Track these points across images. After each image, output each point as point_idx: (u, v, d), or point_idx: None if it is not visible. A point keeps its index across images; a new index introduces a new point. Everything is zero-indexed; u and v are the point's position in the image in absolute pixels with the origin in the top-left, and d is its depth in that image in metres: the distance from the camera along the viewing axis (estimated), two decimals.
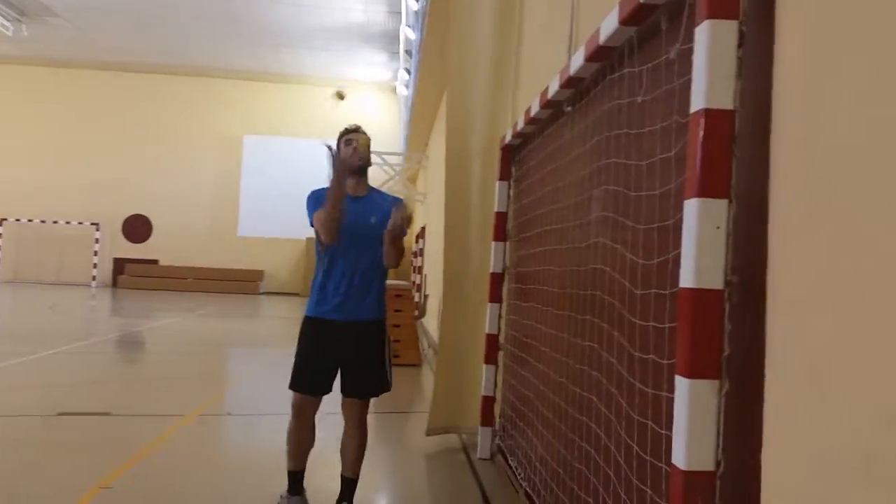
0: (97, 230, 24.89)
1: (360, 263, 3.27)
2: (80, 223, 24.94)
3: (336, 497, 3.42)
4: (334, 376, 3.32)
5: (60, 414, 5.42)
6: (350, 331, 3.28)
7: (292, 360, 3.36)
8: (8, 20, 19.65)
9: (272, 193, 25.18)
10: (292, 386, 3.31)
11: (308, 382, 3.29)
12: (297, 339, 3.37)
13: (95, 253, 24.83)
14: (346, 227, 3.22)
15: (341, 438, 3.41)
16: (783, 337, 1.44)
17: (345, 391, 3.33)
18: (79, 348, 9.22)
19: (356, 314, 3.28)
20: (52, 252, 25.21)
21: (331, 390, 3.32)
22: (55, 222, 24.86)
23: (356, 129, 3.40)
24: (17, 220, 24.77)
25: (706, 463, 1.55)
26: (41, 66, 24.98)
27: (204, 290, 23.95)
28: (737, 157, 1.59)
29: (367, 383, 3.33)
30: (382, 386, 3.36)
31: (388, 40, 20.21)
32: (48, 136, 25.18)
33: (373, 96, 25.61)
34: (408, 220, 3.15)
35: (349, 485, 3.40)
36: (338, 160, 3.17)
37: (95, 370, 7.90)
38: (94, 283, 24.66)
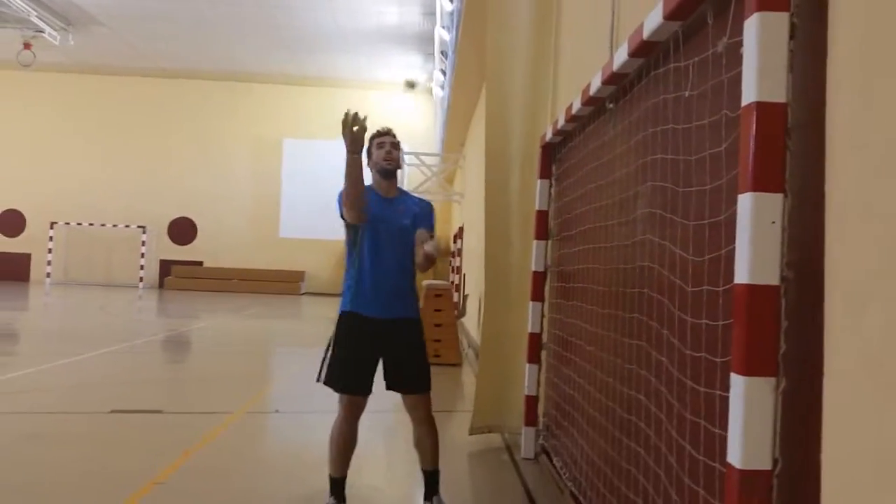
0: (143, 233, 25.55)
1: (395, 264, 3.32)
2: (128, 226, 25.64)
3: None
4: (374, 374, 3.35)
5: (113, 411, 5.58)
6: (394, 328, 3.31)
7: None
8: (55, 29, 20.29)
9: (312, 195, 25.49)
10: (342, 388, 3.29)
11: (357, 382, 3.29)
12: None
13: (142, 255, 25.49)
14: (380, 228, 3.28)
15: (413, 435, 3.45)
16: (842, 333, 1.41)
17: (406, 388, 3.37)
18: (129, 348, 9.48)
19: (398, 312, 3.33)
20: (101, 254, 25.98)
21: (371, 391, 3.35)
22: (103, 225, 25.60)
23: (387, 132, 3.44)
24: (67, 223, 25.57)
25: (763, 462, 1.52)
26: (87, 74, 25.74)
27: (247, 291, 24.40)
28: (791, 150, 1.56)
29: (423, 377, 3.38)
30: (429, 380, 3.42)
31: (423, 42, 20.28)
32: (96, 141, 25.93)
33: (408, 97, 25.73)
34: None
35: (433, 477, 3.43)
36: (347, 135, 3.01)
37: (145, 369, 8.11)
38: (141, 285, 25.31)
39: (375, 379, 3.35)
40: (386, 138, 3.40)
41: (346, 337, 3.32)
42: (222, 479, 4.04)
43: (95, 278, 25.79)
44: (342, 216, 3.30)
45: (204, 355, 9.76)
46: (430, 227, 3.42)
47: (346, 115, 3.02)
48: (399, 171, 3.51)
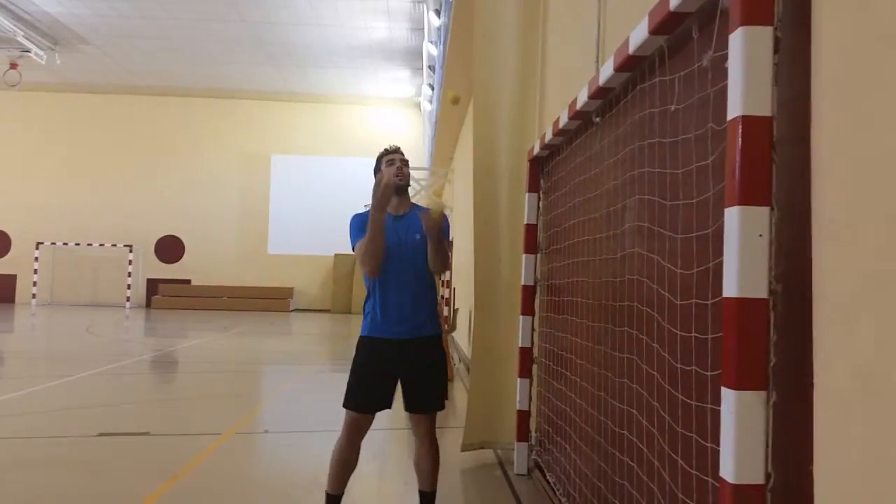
0: (130, 252, 25.36)
1: (410, 281, 3.31)
2: (114, 245, 25.45)
3: None
4: (394, 393, 3.34)
5: (101, 434, 5.50)
6: (411, 348, 3.31)
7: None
8: (42, 49, 20.23)
9: (300, 211, 25.52)
10: (350, 405, 3.31)
11: (366, 401, 3.31)
12: (351, 358, 3.38)
13: (129, 274, 25.29)
14: (392, 248, 3.28)
15: (414, 455, 3.44)
16: (831, 345, 1.41)
17: (413, 408, 3.35)
18: (116, 369, 9.37)
19: (415, 331, 3.32)
20: (87, 274, 25.76)
21: (391, 406, 3.33)
22: (89, 245, 25.40)
23: (396, 150, 3.48)
24: (53, 243, 25.36)
25: (755, 476, 1.52)
26: (74, 93, 25.65)
27: (236, 309, 24.25)
28: (776, 163, 1.57)
29: (433, 398, 3.36)
30: (444, 398, 3.40)
31: (411, 57, 20.37)
32: (82, 160, 25.80)
33: (397, 112, 25.82)
34: (435, 221, 3.15)
35: (428, 499, 3.43)
36: (378, 189, 3.15)
37: (133, 390, 8.01)
38: (128, 304, 25.10)
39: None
40: (395, 156, 3.44)
41: (359, 358, 3.36)
42: (211, 502, 3.98)
43: (82, 298, 25.56)
44: (354, 250, 3.33)
45: (192, 375, 9.66)
46: (445, 236, 3.37)
47: (384, 175, 3.20)
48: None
